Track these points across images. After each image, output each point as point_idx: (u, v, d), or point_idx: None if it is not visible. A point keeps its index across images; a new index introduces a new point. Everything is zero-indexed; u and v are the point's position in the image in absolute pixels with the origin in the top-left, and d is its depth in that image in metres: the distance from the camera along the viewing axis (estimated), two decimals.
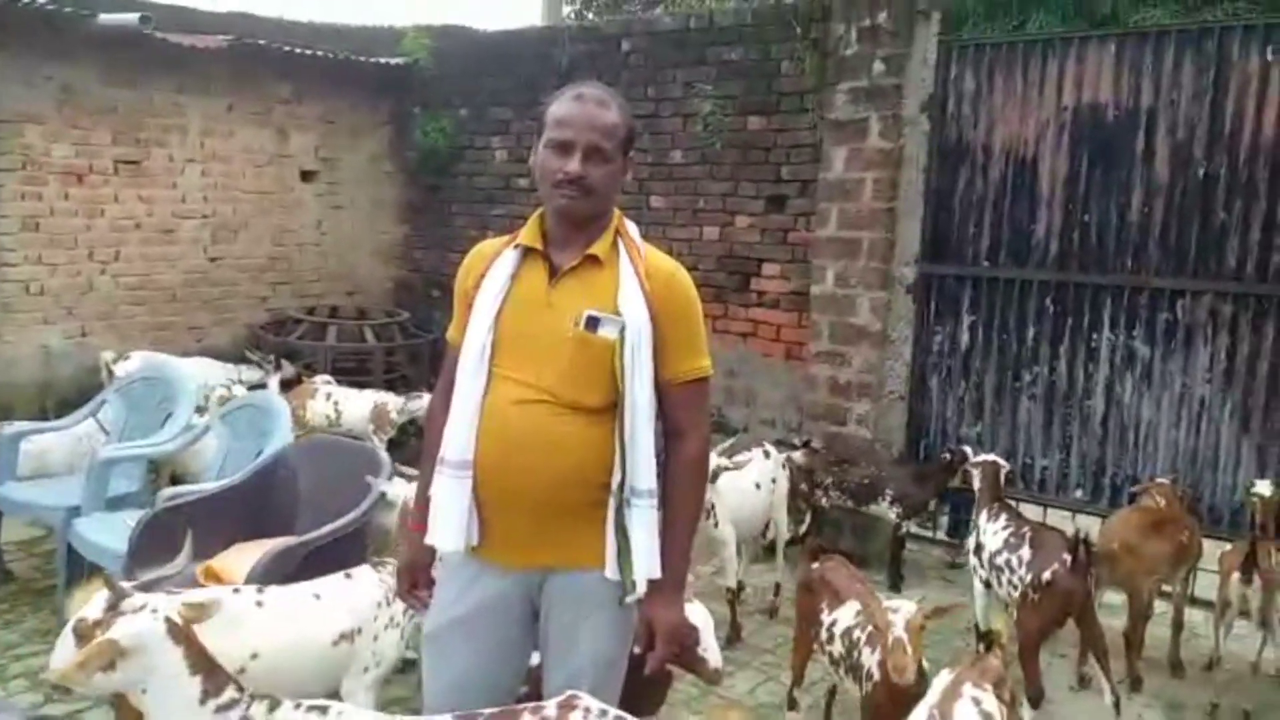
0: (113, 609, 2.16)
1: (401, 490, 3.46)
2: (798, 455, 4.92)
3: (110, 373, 5.64)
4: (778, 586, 4.54)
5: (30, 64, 5.99)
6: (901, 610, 2.66)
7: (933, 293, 5.23)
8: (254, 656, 2.57)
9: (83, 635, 2.15)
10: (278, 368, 6.28)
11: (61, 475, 4.48)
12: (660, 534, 2.06)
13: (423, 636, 2.23)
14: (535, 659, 2.23)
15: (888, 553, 4.93)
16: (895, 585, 4.82)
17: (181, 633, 2.14)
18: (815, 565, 3.27)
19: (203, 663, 2.16)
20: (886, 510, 4.88)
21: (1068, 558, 3.39)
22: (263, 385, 6.08)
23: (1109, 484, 4.80)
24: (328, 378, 6.05)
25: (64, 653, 2.23)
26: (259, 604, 2.69)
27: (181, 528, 3.12)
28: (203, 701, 2.12)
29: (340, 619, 2.77)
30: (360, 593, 2.86)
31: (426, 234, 7.86)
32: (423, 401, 5.94)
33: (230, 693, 2.17)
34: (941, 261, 5.19)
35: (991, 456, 4.20)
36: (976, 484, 4.11)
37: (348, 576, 2.90)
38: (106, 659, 2.02)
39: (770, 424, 5.92)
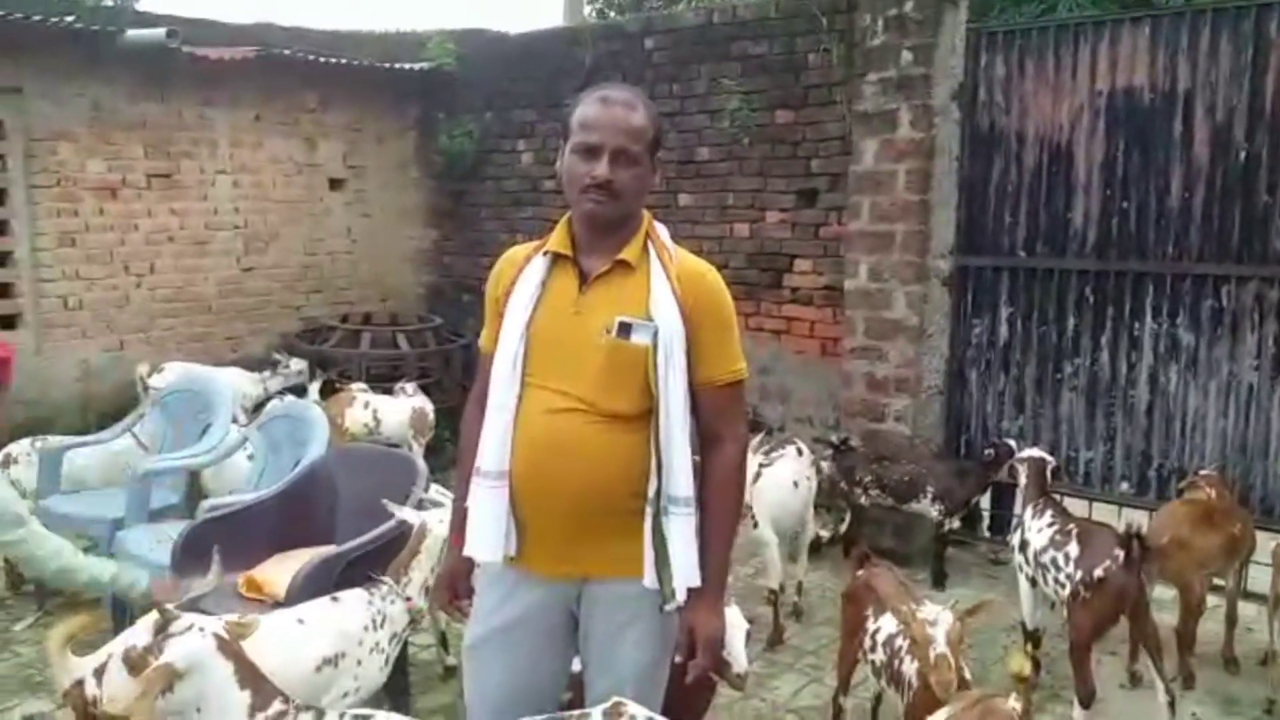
0: (161, 632, 2.16)
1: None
2: (826, 462, 4.91)
3: (145, 385, 5.69)
4: (800, 585, 4.50)
5: (60, 82, 6.07)
6: (940, 621, 2.58)
7: (969, 285, 5.16)
8: None
9: (134, 664, 2.14)
10: (313, 376, 6.31)
11: (96, 490, 4.52)
12: (699, 539, 2.04)
13: (463, 647, 2.22)
14: (578, 665, 2.22)
15: (931, 551, 4.87)
16: (939, 583, 4.77)
17: (230, 648, 2.14)
18: (860, 572, 3.21)
19: (250, 676, 2.17)
20: (928, 508, 4.81)
21: (1120, 554, 3.32)
22: (292, 390, 6.12)
23: (1155, 476, 4.70)
24: (363, 385, 6.06)
25: (118, 683, 2.22)
26: None
27: (213, 543, 3.14)
28: (251, 715, 2.13)
29: (323, 645, 2.72)
30: (346, 618, 2.81)
31: (456, 239, 7.87)
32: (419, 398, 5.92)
33: (277, 705, 2.19)
34: (977, 253, 5.11)
35: (1038, 452, 4.11)
36: (1022, 480, 4.03)
37: (335, 600, 2.86)
38: (165, 684, 2.03)
39: (807, 422, 5.87)
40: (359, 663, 2.77)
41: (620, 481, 2.00)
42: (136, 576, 2.84)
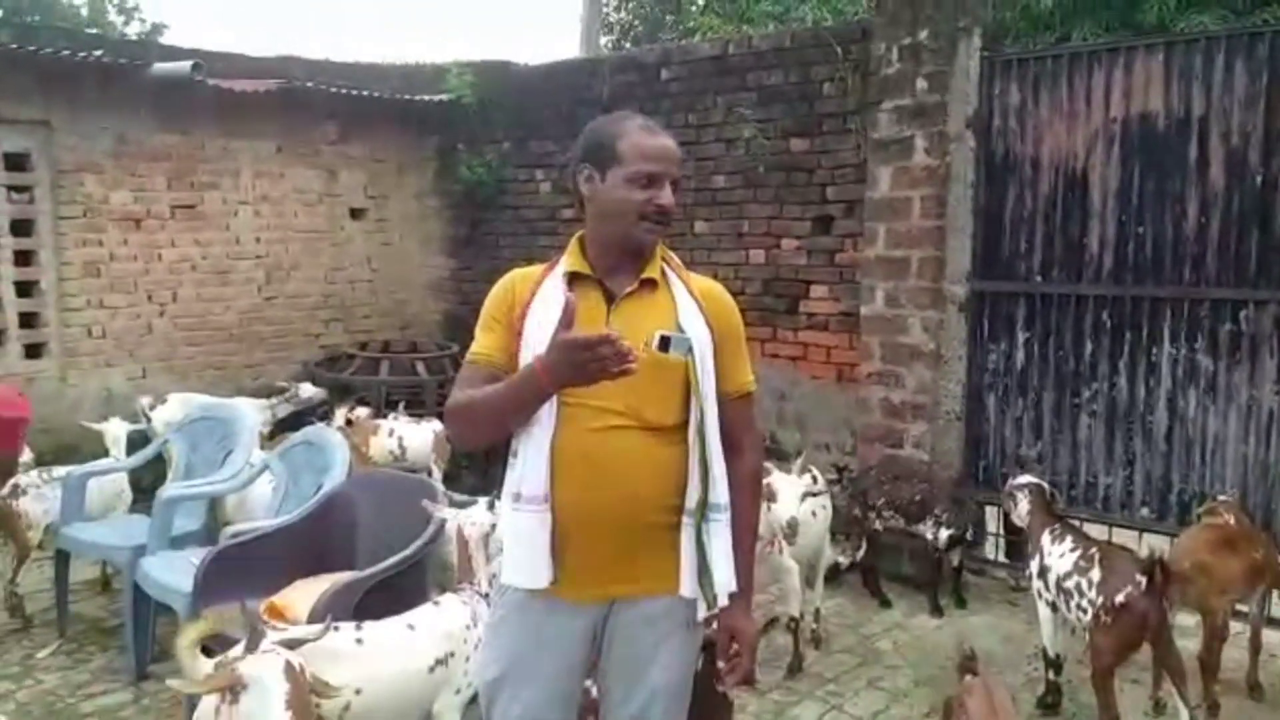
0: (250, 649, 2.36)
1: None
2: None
3: (147, 418, 5.68)
4: (817, 612, 4.48)
5: (87, 115, 6.19)
6: None
7: (985, 310, 5.16)
8: (358, 693, 2.67)
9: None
10: (335, 405, 6.31)
11: (116, 517, 4.58)
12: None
13: (484, 681, 2.14)
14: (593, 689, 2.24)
15: (941, 578, 4.86)
16: (962, 603, 4.75)
17: (293, 673, 2.21)
18: (966, 679, 2.85)
19: (298, 701, 2.22)
20: (930, 529, 4.77)
21: (1142, 579, 3.30)
22: (309, 412, 6.15)
23: (1176, 501, 4.67)
24: (368, 413, 6.04)
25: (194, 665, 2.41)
26: (359, 641, 2.78)
27: (235, 569, 3.23)
28: None
29: (434, 646, 2.88)
30: (450, 618, 2.96)
31: (474, 267, 7.94)
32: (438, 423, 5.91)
33: None
34: (993, 278, 5.12)
35: (1033, 478, 4.12)
36: (1024, 507, 4.01)
37: (436, 604, 3.02)
38: (228, 684, 2.21)
39: (824, 448, 5.86)
40: (466, 659, 2.91)
41: (663, 494, 2.03)
42: None
